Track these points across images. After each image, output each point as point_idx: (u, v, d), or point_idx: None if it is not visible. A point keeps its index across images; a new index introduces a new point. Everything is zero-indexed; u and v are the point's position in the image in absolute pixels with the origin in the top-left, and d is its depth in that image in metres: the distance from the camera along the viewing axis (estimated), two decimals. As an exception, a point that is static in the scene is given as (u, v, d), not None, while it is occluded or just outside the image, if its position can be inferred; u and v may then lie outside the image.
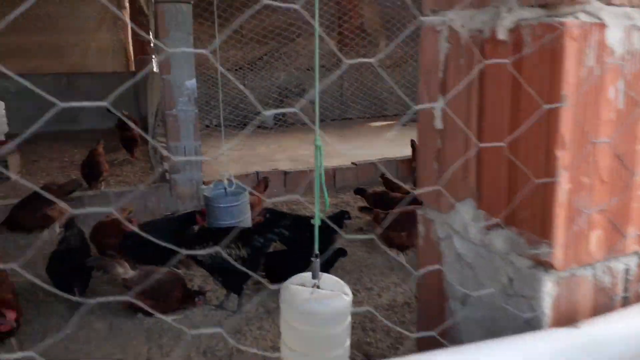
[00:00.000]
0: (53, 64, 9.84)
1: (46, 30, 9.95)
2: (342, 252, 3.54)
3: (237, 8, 8.06)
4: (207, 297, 3.51)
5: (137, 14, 9.31)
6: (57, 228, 4.74)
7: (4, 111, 6.46)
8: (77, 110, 9.22)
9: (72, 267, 3.37)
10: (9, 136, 6.72)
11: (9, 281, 3.22)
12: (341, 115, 10.52)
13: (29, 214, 4.71)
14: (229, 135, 7.13)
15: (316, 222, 1.23)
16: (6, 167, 6.38)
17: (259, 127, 8.10)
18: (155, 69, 8.50)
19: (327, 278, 1.24)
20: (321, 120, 8.00)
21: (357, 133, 9.24)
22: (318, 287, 1.21)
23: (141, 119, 9.38)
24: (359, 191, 4.97)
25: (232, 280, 3.30)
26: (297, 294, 1.17)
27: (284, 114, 9.37)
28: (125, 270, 3.15)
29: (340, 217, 3.95)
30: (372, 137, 8.81)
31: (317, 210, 1.22)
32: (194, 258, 3.52)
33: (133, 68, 10.54)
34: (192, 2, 4.99)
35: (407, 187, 5.01)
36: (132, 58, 10.65)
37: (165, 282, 3.25)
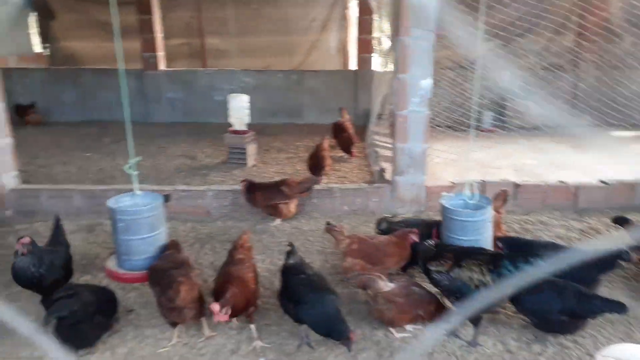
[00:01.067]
0: (284, 62, 10.71)
1: (279, 31, 10.88)
2: (621, 307, 2.85)
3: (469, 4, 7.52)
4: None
5: (363, 14, 9.54)
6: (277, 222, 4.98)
7: (247, 104, 7.14)
8: (302, 105, 9.87)
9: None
10: (249, 126, 7.42)
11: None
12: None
13: (261, 200, 5.02)
14: (443, 137, 6.74)
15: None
16: (245, 154, 7.07)
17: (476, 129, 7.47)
18: (381, 68, 8.58)
19: None
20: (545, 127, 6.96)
21: (594, 144, 7.89)
22: None
23: (357, 117, 9.60)
24: (620, 220, 4.06)
25: (474, 309, 2.93)
26: None
27: (504, 117, 8.54)
28: (385, 284, 3.05)
29: (616, 257, 3.14)
30: (618, 150, 7.41)
31: None
32: (427, 274, 3.25)
33: (352, 67, 10.85)
34: (437, -3, 4.72)
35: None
36: (352, 57, 10.97)
37: (423, 295, 3.09)
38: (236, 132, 7.13)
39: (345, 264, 3.69)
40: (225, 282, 3.10)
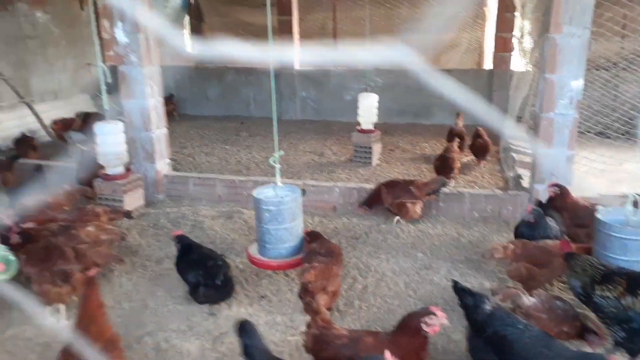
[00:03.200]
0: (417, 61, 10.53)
1: (412, 30, 10.70)
2: None
3: None
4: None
5: (504, 11, 9.00)
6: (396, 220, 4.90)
7: (377, 103, 7.16)
8: (431, 104, 9.63)
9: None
10: (376, 126, 7.43)
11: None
12: None
13: (389, 196, 5.00)
14: (591, 144, 6.06)
15: None
16: (370, 153, 7.10)
17: (624, 135, 6.58)
18: (522, 67, 8.03)
19: None
20: None
21: None
22: None
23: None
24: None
25: (638, 341, 2.61)
26: None
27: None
28: (527, 299, 2.88)
29: None
30: None
31: None
32: (585, 294, 2.90)
33: (487, 66, 10.32)
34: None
35: None
36: (488, 56, 10.44)
37: (568, 311, 2.88)
38: (363, 131, 7.19)
39: (511, 268, 3.56)
40: None
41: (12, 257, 3.54)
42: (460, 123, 7.29)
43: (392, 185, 5.08)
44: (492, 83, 9.22)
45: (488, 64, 10.33)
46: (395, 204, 4.95)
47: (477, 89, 9.29)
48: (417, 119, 9.76)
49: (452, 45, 10.66)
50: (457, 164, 6.16)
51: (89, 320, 2.70)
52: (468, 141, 7.05)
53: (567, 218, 4.05)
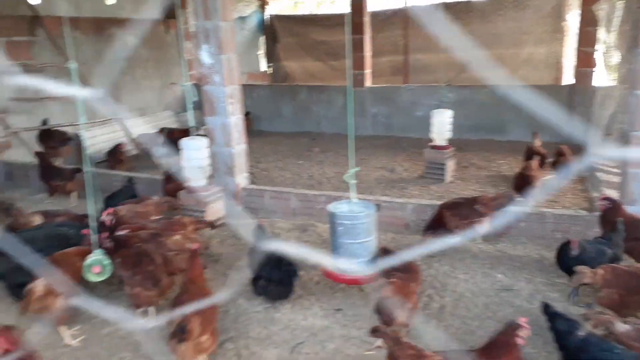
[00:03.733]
0: (490, 77, 10.31)
1: (486, 46, 10.50)
2: None
3: None
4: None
5: (586, 25, 8.62)
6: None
7: (450, 119, 7.07)
8: (506, 120, 9.36)
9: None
10: (448, 142, 7.32)
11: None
12: None
13: (454, 218, 4.83)
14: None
15: None
16: (443, 170, 7.00)
17: None
18: (608, 83, 7.65)
19: None
20: None
21: None
22: None
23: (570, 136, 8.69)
24: None
25: None
26: None
27: None
28: (620, 325, 2.75)
29: None
30: None
31: None
32: None
33: (565, 81, 9.88)
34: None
35: None
36: (567, 71, 10.00)
37: None
38: (436, 147, 7.11)
39: (602, 295, 3.40)
40: None
41: (107, 261, 3.83)
42: (538, 142, 7.04)
43: (455, 207, 4.81)
44: (573, 99, 8.81)
45: (567, 79, 9.90)
46: (462, 225, 4.68)
47: (557, 105, 8.92)
48: (491, 135, 9.51)
49: (528, 60, 10.34)
50: (538, 183, 5.94)
51: (191, 282, 3.41)
52: (549, 159, 6.78)
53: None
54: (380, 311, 3.27)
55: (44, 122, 7.93)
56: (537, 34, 10.14)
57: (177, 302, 3.29)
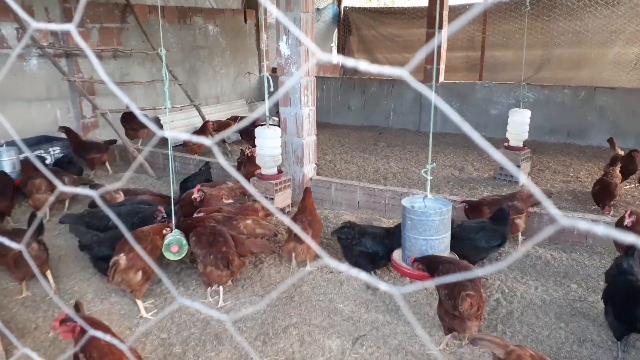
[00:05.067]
0: (573, 77, 9.79)
1: (571, 44, 9.97)
2: None
3: None
4: None
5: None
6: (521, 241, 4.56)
7: (528, 119, 6.77)
8: (588, 124, 8.84)
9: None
10: (524, 143, 7.01)
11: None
12: None
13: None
14: None
15: None
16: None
17: None
18: None
19: None
20: None
21: None
22: None
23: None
24: None
25: None
26: None
27: None
28: None
29: None
30: None
31: None
32: None
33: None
34: None
35: None
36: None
37: None
38: (511, 148, 6.85)
39: None
40: None
41: (184, 241, 4.04)
42: (619, 150, 6.56)
43: (493, 203, 4.76)
44: (668, 103, 8.17)
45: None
46: None
47: (643, 109, 8.34)
48: (571, 139, 9.03)
49: (616, 61, 9.69)
50: (618, 191, 5.59)
51: (306, 210, 4.45)
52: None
53: None
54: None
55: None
56: (628, 32, 9.46)
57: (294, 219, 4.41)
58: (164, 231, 3.98)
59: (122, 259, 3.70)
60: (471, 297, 3.01)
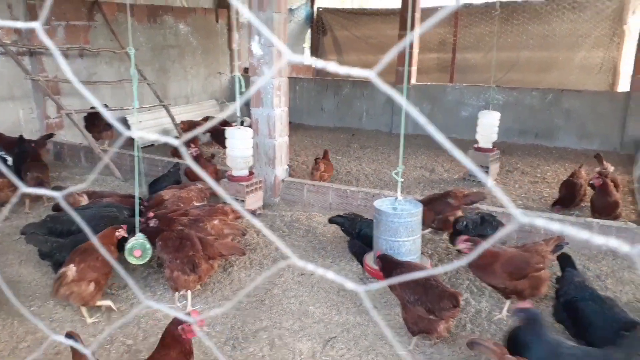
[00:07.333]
0: (541, 80, 10.02)
1: (539, 47, 10.21)
2: None
3: None
4: None
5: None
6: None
7: (497, 121, 6.89)
8: (556, 126, 9.06)
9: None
10: (494, 145, 7.13)
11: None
12: None
13: (430, 213, 4.68)
14: None
15: None
16: (486, 173, 6.84)
17: None
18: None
19: None
20: None
21: None
22: None
23: (623, 145, 8.33)
24: None
25: None
26: None
27: None
28: None
29: None
30: None
31: None
32: None
33: (622, 88, 9.46)
34: None
35: None
36: (623, 78, 9.57)
37: None
38: (481, 149, 6.96)
39: None
40: None
41: (148, 245, 3.94)
42: (607, 165, 6.16)
43: (430, 202, 4.75)
44: (628, 107, 8.43)
45: (624, 86, 9.48)
46: (437, 221, 4.76)
47: (610, 112, 8.58)
48: (539, 140, 9.23)
49: (582, 64, 9.97)
50: (584, 192, 5.73)
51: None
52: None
53: None
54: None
55: (106, 106, 8.23)
56: (594, 37, 9.75)
57: None
58: (117, 233, 3.83)
59: (70, 270, 3.50)
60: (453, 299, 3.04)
